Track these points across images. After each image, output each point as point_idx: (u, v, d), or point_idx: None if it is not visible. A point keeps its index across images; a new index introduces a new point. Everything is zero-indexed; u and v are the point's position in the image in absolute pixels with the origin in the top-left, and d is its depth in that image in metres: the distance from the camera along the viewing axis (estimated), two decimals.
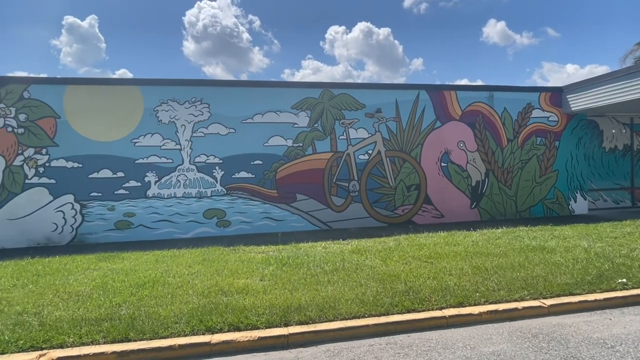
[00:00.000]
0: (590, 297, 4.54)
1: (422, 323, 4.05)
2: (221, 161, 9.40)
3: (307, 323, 3.97)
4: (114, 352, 3.50)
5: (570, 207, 11.21)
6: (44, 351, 3.51)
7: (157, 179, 9.15)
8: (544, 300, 4.45)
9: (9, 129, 8.62)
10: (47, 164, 8.72)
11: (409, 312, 4.19)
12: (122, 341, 3.65)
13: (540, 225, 9.03)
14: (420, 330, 4.00)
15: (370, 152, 10.08)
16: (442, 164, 10.44)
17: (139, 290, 4.87)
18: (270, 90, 9.72)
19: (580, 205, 11.28)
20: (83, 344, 3.60)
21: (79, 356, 3.45)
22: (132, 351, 3.52)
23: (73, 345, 3.58)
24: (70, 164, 8.80)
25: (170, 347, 3.57)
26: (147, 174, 9.09)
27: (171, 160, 9.21)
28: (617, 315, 4.29)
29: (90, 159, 8.87)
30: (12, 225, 8.57)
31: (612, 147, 12.02)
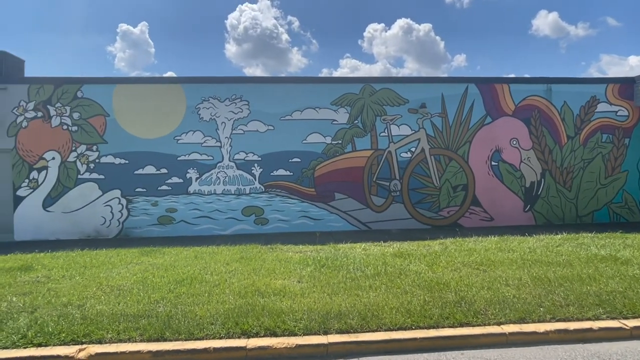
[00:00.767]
0: None
1: (477, 339, 3.61)
2: (260, 158, 9.33)
3: (347, 332, 3.67)
4: (149, 351, 3.41)
5: None
6: (84, 345, 3.50)
7: (197, 176, 9.26)
8: (624, 321, 3.82)
9: (65, 126, 9.10)
10: (97, 160, 9.11)
11: (461, 325, 3.76)
12: (157, 340, 3.56)
13: (607, 232, 8.05)
14: (476, 348, 3.56)
15: (413, 149, 9.57)
16: (493, 163, 9.68)
17: (177, 286, 4.82)
18: (310, 86, 9.51)
19: None
20: (120, 341, 3.55)
21: (116, 353, 3.40)
22: (168, 351, 3.42)
23: (111, 341, 3.55)
24: (117, 161, 9.13)
25: (205, 350, 3.43)
26: (188, 170, 9.23)
27: (211, 158, 9.28)
28: None
29: (136, 155, 9.15)
30: (66, 218, 9.04)
31: None
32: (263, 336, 3.63)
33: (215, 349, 3.43)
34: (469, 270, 5.38)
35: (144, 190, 9.16)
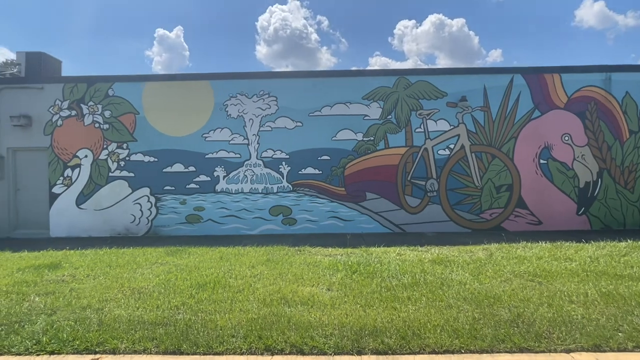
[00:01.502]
0: None
1: None
2: (288, 156, 8.99)
3: (385, 353, 3.19)
4: None
5: None
6: (97, 355, 3.25)
7: (225, 174, 9.06)
8: None
9: (96, 125, 9.18)
10: (127, 158, 9.13)
11: (521, 351, 3.17)
12: (174, 353, 3.24)
13: None
14: None
15: (452, 146, 8.87)
16: (541, 161, 8.80)
17: (199, 291, 4.53)
18: (340, 80, 9.04)
19: None
20: (135, 352, 3.27)
21: None
22: None
23: (125, 352, 3.27)
24: (147, 158, 9.10)
25: None
26: (216, 168, 9.05)
27: (239, 155, 9.05)
28: None
29: (165, 153, 9.08)
30: (98, 216, 9.12)
31: None
32: (288, 353, 3.22)
33: None
34: (521, 281, 4.73)
35: (173, 188, 9.08)
